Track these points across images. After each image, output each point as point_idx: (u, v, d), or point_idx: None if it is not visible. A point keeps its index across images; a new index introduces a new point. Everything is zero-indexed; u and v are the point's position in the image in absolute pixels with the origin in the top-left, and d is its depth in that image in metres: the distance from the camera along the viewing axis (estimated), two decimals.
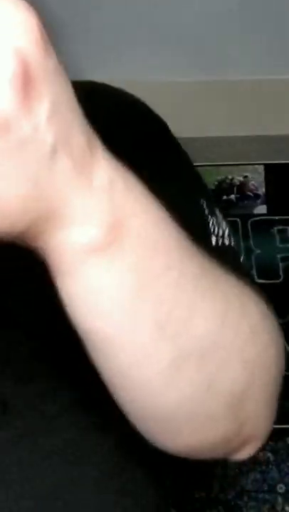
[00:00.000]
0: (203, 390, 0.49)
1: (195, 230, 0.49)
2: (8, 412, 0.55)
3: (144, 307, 0.46)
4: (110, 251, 0.44)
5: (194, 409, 0.50)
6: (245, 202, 1.78)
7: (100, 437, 0.56)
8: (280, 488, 1.56)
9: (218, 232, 0.59)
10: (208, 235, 0.58)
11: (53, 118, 0.40)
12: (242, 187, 1.79)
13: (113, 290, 0.45)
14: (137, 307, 0.46)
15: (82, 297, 0.45)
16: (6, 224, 0.41)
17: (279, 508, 1.55)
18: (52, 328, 0.54)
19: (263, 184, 1.79)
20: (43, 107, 0.39)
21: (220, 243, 0.58)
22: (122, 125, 0.63)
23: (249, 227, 1.75)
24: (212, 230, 0.59)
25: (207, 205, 0.60)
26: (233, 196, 1.79)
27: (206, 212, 0.60)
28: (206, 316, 0.48)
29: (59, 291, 0.45)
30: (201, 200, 0.60)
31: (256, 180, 1.80)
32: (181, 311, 0.47)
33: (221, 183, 1.80)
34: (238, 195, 1.79)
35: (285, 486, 1.56)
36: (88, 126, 0.43)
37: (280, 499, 1.56)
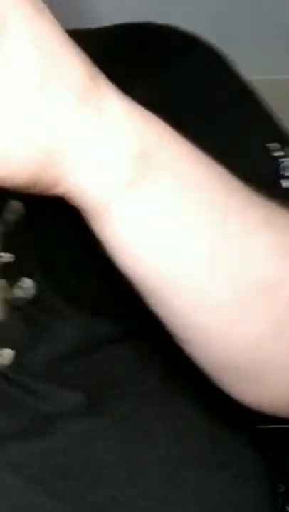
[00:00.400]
0: (275, 331, 0.47)
1: (254, 173, 0.47)
2: (94, 402, 0.54)
3: (190, 245, 0.44)
4: (140, 186, 0.43)
5: (268, 352, 0.47)
6: None
7: (191, 415, 0.55)
8: (280, 488, 1.55)
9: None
10: (275, 177, 0.56)
11: (37, 51, 0.40)
12: None
13: (151, 230, 0.43)
14: (183, 246, 0.44)
15: (122, 242, 0.44)
16: (12, 172, 0.40)
17: (279, 507, 1.55)
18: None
19: None
20: (22, 48, 0.40)
21: None
22: (175, 66, 0.62)
23: None
24: (283, 172, 0.56)
25: (279, 147, 0.58)
26: None
27: (275, 154, 0.57)
28: (261, 250, 0.46)
29: (100, 239, 0.44)
30: (267, 143, 0.58)
31: None
32: (232, 246, 0.45)
33: None
34: None
35: (285, 486, 1.55)
36: (89, 61, 0.42)
37: (280, 499, 1.55)
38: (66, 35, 0.42)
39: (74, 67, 0.42)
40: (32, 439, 0.54)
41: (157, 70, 0.63)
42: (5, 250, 0.59)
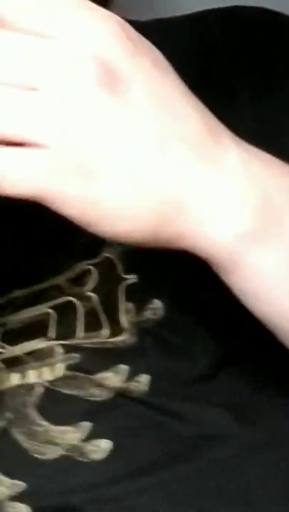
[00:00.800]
0: None
1: None
2: (240, 419, 0.54)
3: None
4: (267, 232, 0.42)
5: None
6: None
7: None
8: None
9: None
10: None
11: (157, 111, 0.40)
12: None
13: (283, 272, 0.43)
14: None
15: (254, 289, 0.44)
16: (129, 229, 0.41)
17: None
18: None
19: None
20: (142, 102, 0.39)
21: None
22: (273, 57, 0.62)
23: None
24: None
25: None
26: None
27: None
28: None
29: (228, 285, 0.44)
30: None
31: None
32: None
33: None
34: None
35: None
36: (207, 111, 0.42)
37: None
38: (184, 85, 0.42)
39: (193, 121, 0.41)
40: (181, 463, 0.53)
41: (257, 66, 0.62)
42: (127, 272, 0.59)
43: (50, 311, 0.58)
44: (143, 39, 0.41)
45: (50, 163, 0.39)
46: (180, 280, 0.57)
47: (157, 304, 0.57)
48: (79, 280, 0.59)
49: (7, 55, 0.39)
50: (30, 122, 0.39)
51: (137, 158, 0.40)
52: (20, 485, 0.54)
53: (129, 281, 0.58)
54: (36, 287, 0.59)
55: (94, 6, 0.41)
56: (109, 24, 0.40)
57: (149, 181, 0.40)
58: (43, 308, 0.58)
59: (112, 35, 0.40)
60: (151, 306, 0.57)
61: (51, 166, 0.39)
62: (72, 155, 0.39)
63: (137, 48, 0.40)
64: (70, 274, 0.59)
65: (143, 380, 0.55)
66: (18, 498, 0.54)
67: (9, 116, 0.39)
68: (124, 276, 0.58)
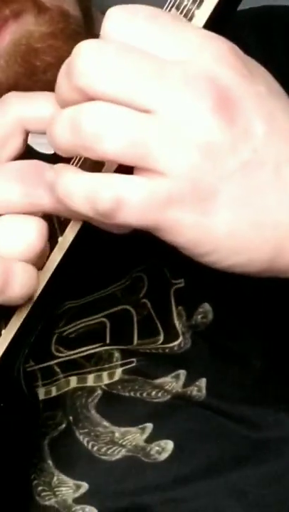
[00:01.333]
0: None
1: None
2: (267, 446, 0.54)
3: None
4: None
5: None
6: None
7: None
8: None
9: None
10: None
11: (271, 136, 0.38)
12: None
13: None
14: None
15: None
16: (244, 259, 0.39)
17: None
18: None
19: None
20: (255, 128, 0.37)
21: None
22: None
23: None
24: None
25: None
26: None
27: None
28: None
29: None
30: None
31: None
32: None
33: None
34: None
35: None
36: None
37: None
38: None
39: None
40: (249, 465, 0.54)
41: None
42: (175, 277, 0.60)
43: (105, 319, 0.60)
44: (254, 62, 0.39)
45: (168, 192, 0.37)
46: (225, 282, 0.57)
47: (206, 307, 0.58)
48: (132, 287, 0.60)
49: (123, 74, 0.37)
50: (151, 149, 0.37)
51: (253, 188, 0.38)
52: (83, 485, 0.56)
53: (177, 286, 0.59)
54: (89, 298, 0.60)
55: (200, 28, 0.39)
56: (221, 45, 0.38)
57: (266, 211, 0.38)
58: (98, 318, 0.60)
59: (224, 58, 0.38)
60: (201, 309, 0.58)
61: (169, 195, 0.37)
62: (190, 185, 0.37)
63: (252, 73, 0.38)
64: (124, 282, 0.60)
65: (202, 385, 0.56)
66: (82, 499, 0.56)
67: (130, 139, 0.37)
68: (173, 281, 0.59)
